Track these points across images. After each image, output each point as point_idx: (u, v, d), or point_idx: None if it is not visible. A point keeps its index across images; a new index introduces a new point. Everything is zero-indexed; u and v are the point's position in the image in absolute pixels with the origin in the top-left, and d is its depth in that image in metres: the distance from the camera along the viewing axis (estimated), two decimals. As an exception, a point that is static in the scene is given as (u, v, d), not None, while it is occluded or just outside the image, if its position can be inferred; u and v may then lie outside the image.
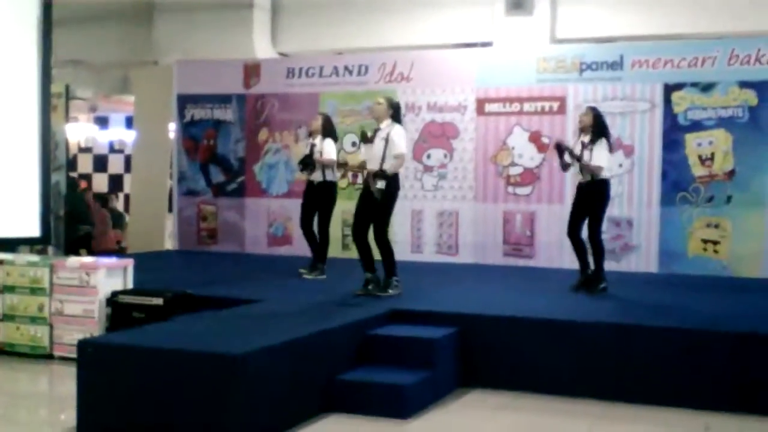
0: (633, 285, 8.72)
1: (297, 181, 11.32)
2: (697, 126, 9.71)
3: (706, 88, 9.66)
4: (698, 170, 9.69)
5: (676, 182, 9.76)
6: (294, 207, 11.23)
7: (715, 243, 9.60)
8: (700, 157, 9.69)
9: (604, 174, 7.83)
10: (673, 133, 9.78)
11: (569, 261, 9.30)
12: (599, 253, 7.92)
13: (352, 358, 6.21)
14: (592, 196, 7.86)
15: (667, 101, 9.80)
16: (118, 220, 14.28)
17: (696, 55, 9.71)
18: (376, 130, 7.56)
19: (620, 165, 9.93)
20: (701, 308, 7.29)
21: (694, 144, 9.72)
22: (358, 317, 6.52)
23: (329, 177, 8.89)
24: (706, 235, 9.64)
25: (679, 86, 9.77)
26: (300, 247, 11.13)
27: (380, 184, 7.33)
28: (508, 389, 6.37)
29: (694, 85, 9.71)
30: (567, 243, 9.35)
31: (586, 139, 7.83)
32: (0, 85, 8.78)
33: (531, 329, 6.51)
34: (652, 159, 9.85)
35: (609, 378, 6.23)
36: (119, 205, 16.63)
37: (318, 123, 8.94)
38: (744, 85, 9.52)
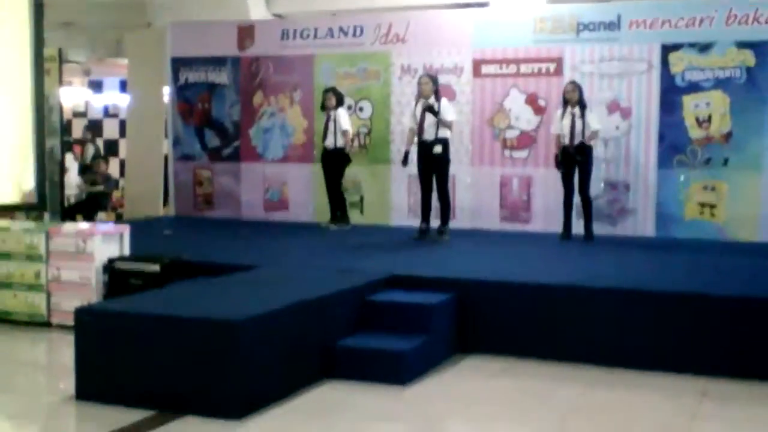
0: (630, 249, 8.74)
1: (292, 146, 11.28)
2: (694, 87, 9.64)
3: (704, 48, 9.59)
4: (695, 132, 9.64)
5: (673, 145, 9.71)
6: (289, 172, 11.26)
7: (712, 206, 9.58)
8: (697, 119, 9.64)
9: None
10: (671, 94, 9.71)
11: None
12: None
13: (350, 323, 6.22)
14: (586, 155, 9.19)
15: (665, 62, 9.73)
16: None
17: (694, 15, 9.62)
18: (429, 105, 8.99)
19: (617, 127, 9.89)
20: (697, 272, 7.31)
21: (691, 106, 9.66)
22: (356, 283, 6.51)
23: (340, 144, 10.12)
24: (702, 199, 9.61)
25: (676, 47, 9.69)
26: (296, 213, 11.16)
27: (438, 149, 8.93)
28: (506, 354, 6.39)
29: (691, 45, 9.64)
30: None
31: (576, 110, 9.10)
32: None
33: (528, 294, 6.51)
34: (649, 121, 9.80)
35: (606, 343, 6.24)
36: (110, 169, 16.64)
37: (333, 101, 10.17)
38: (742, 45, 9.44)
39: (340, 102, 10.27)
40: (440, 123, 8.91)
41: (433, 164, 8.99)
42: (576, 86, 9.23)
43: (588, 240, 9.19)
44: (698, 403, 5.44)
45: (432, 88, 9.03)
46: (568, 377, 5.97)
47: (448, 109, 9.05)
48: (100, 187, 12.99)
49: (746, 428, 5.13)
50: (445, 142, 8.98)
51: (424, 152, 9.01)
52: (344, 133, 10.07)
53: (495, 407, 5.43)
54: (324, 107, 10.26)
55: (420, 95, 9.14)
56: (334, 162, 10.19)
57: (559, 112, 9.29)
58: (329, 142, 10.14)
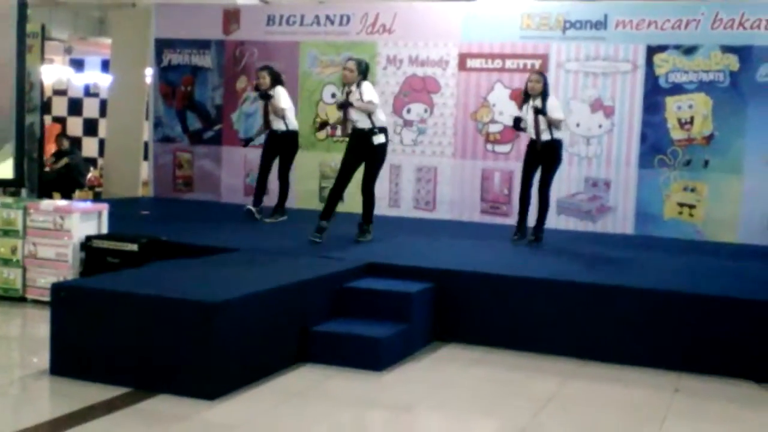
0: (608, 246, 8.77)
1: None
2: (677, 89, 9.68)
3: (689, 51, 9.64)
4: (677, 133, 9.70)
5: (654, 145, 9.76)
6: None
7: (691, 207, 9.64)
8: (679, 120, 9.69)
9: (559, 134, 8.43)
10: (654, 95, 9.76)
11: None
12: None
13: (327, 309, 6.21)
14: (552, 153, 8.38)
15: (650, 63, 9.77)
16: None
17: (680, 17, 9.66)
18: (347, 93, 7.94)
19: (600, 125, 9.94)
20: (673, 270, 7.35)
21: (674, 107, 9.71)
22: (334, 269, 6.51)
23: (291, 126, 9.32)
24: (682, 199, 9.68)
25: (661, 48, 9.73)
26: (276, 198, 11.10)
27: (380, 138, 7.92)
28: (482, 344, 6.42)
29: (676, 47, 9.68)
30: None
31: (538, 102, 8.22)
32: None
33: (506, 286, 6.54)
34: (631, 121, 9.84)
35: (582, 336, 6.29)
36: (88, 149, 16.67)
37: (267, 80, 9.21)
38: (726, 49, 9.49)
39: (277, 81, 9.27)
40: (357, 108, 7.81)
41: (368, 155, 7.95)
42: (542, 77, 8.36)
43: (535, 242, 8.37)
44: (671, 398, 5.48)
45: (357, 76, 7.90)
46: (543, 369, 6.00)
47: (367, 91, 7.86)
48: (64, 160, 12.91)
49: (717, 423, 5.18)
50: (385, 131, 7.99)
51: (359, 141, 7.94)
52: (280, 111, 9.10)
53: (470, 396, 5.45)
54: (256, 87, 9.47)
55: (343, 82, 8.08)
56: (285, 146, 9.31)
57: (524, 107, 8.39)
58: (278, 125, 9.23)
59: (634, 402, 5.43)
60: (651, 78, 9.77)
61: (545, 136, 8.28)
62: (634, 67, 9.83)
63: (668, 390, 5.62)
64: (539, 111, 8.17)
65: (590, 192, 9.96)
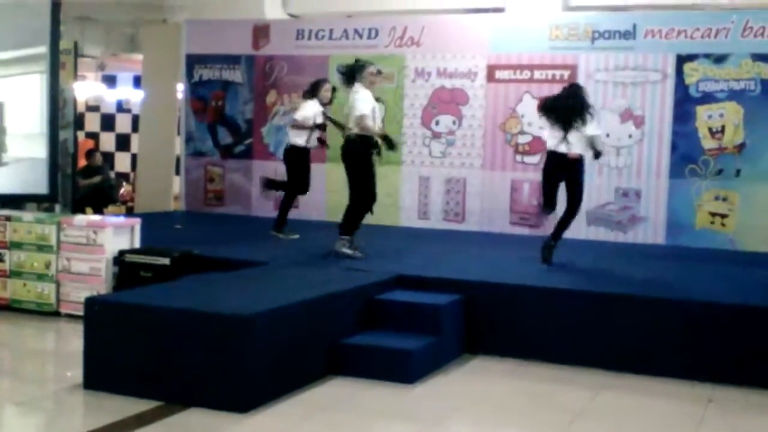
0: (639, 256, 8.72)
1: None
2: (708, 98, 9.63)
3: (719, 59, 9.58)
4: (708, 143, 9.63)
5: (685, 154, 9.70)
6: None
7: (723, 216, 9.57)
8: (710, 129, 9.63)
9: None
10: (684, 104, 9.70)
11: (575, 231, 9.29)
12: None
13: (357, 322, 6.23)
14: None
15: (679, 72, 9.72)
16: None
17: (710, 26, 9.61)
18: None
19: (630, 135, 9.89)
20: (706, 280, 7.29)
21: (704, 116, 9.65)
22: (364, 282, 6.53)
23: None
24: (713, 208, 9.60)
25: (691, 57, 9.68)
26: (306, 212, 11.16)
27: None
28: (513, 357, 6.41)
29: (706, 56, 9.63)
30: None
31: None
32: (10, 42, 8.76)
33: (536, 297, 6.53)
34: (662, 130, 9.79)
35: (613, 347, 6.25)
36: (120, 164, 16.90)
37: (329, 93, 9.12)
38: (757, 57, 9.42)
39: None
40: None
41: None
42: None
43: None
44: (704, 410, 5.43)
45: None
46: (574, 381, 5.98)
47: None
48: (97, 178, 13.05)
49: (752, 436, 5.13)
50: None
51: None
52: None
53: (501, 409, 5.44)
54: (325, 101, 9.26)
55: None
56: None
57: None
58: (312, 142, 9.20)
59: (667, 413, 5.38)
60: (681, 87, 9.72)
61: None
62: (664, 77, 9.79)
63: (701, 401, 5.57)
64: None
65: (621, 202, 9.92)
